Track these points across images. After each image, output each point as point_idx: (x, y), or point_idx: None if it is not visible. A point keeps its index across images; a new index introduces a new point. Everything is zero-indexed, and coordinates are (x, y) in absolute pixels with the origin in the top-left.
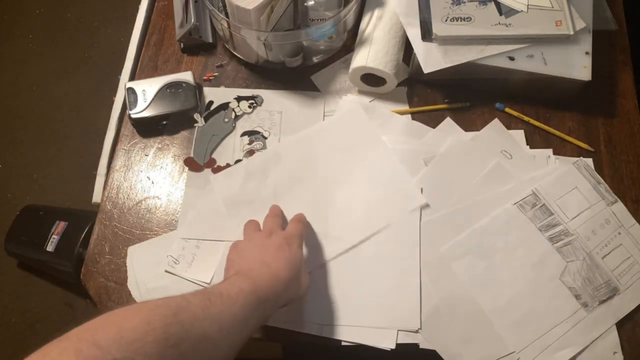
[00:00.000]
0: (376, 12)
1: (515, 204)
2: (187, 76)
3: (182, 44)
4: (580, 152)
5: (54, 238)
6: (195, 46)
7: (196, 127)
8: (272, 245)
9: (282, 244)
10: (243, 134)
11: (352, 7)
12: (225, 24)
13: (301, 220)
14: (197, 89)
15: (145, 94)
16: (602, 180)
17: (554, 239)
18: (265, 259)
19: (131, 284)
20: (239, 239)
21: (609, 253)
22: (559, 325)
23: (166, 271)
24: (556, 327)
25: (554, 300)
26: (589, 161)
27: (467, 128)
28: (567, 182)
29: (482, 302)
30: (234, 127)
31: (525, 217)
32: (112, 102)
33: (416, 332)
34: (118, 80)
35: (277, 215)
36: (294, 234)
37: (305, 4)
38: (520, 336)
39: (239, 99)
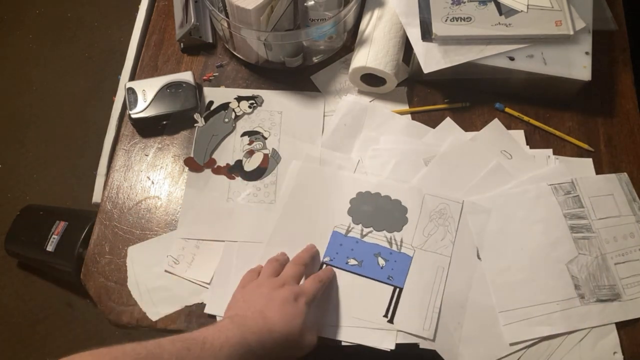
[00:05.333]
0: (376, 12)
1: (550, 184)
2: (187, 76)
3: (182, 44)
4: (580, 152)
5: (54, 238)
6: (195, 46)
7: (196, 127)
8: (279, 297)
9: (289, 298)
10: (243, 134)
11: (352, 7)
12: (225, 24)
13: (322, 280)
14: (197, 89)
15: (145, 94)
16: (637, 198)
17: (574, 228)
18: (265, 311)
19: (131, 284)
20: (253, 271)
21: (623, 263)
22: (549, 304)
23: (166, 271)
24: (545, 305)
25: (553, 281)
26: (625, 176)
27: (467, 128)
28: (606, 187)
29: (483, 258)
30: (234, 127)
31: (555, 199)
32: (112, 102)
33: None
34: (118, 80)
35: (301, 264)
36: (306, 292)
37: (305, 4)
38: (508, 299)
39: (239, 99)
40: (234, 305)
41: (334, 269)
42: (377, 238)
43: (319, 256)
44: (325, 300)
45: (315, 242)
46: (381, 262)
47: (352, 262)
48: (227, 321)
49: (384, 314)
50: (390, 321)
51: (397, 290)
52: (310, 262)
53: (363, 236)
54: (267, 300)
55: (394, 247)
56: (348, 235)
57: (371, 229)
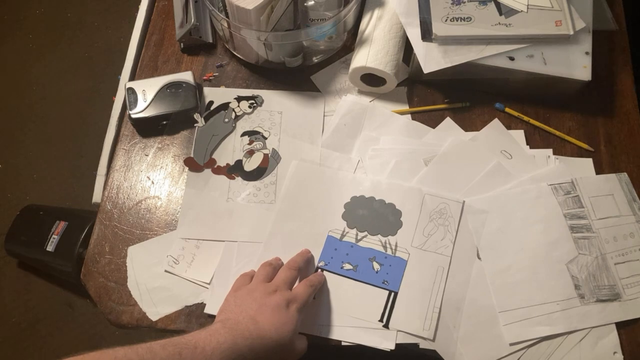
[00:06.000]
0: (376, 12)
1: (550, 184)
2: (187, 76)
3: (182, 44)
4: (580, 152)
5: (54, 238)
6: (195, 46)
7: (196, 127)
8: (270, 303)
9: (281, 305)
10: (243, 134)
11: (352, 7)
12: (225, 24)
13: (313, 285)
14: (197, 89)
15: (145, 94)
16: (637, 198)
17: (575, 228)
18: (257, 316)
19: (131, 284)
20: (246, 273)
21: (623, 263)
22: (549, 304)
23: (166, 271)
24: (545, 305)
25: (553, 281)
26: (625, 176)
27: (467, 128)
28: (606, 187)
29: (483, 258)
30: (234, 127)
31: (555, 199)
32: (112, 102)
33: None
34: (118, 80)
35: (294, 269)
36: (298, 298)
37: (305, 4)
38: (508, 299)
39: (239, 99)
40: (226, 309)
41: (329, 273)
42: (372, 242)
43: (314, 261)
44: (321, 304)
45: (310, 246)
46: (376, 266)
47: (347, 266)
48: (219, 325)
49: (379, 318)
50: (386, 326)
51: (392, 294)
52: (305, 266)
53: (358, 240)
54: (259, 305)
55: (389, 251)
56: (343, 239)
57: (366, 233)
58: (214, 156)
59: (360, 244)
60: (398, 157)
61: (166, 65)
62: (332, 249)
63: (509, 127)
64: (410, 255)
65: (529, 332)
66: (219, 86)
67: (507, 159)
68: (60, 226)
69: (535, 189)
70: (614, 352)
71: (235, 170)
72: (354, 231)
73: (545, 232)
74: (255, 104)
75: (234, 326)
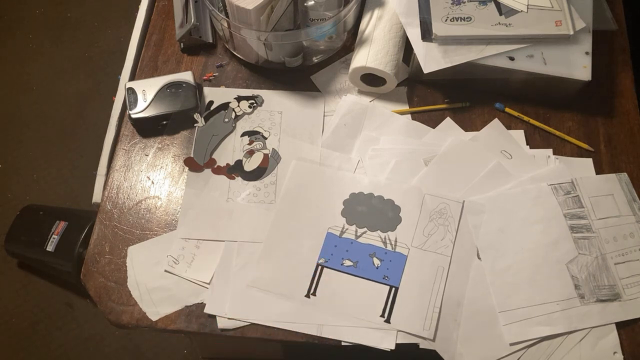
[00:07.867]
0: (376, 12)
1: (550, 184)
2: (187, 76)
3: (182, 44)
4: (580, 152)
5: (54, 238)
6: (195, 46)
7: (196, 127)
8: None
9: None
10: (243, 134)
11: (352, 7)
12: (225, 24)
13: None
14: (197, 89)
15: (145, 94)
16: (637, 198)
17: (574, 228)
18: None
19: (131, 284)
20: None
21: (623, 263)
22: (549, 304)
23: (166, 271)
24: (545, 305)
25: (553, 281)
26: (624, 176)
27: (467, 128)
28: (606, 187)
29: (483, 258)
30: (234, 127)
31: (555, 199)
32: (112, 102)
33: (433, 340)
34: (118, 80)
35: None
36: None
37: (305, 4)
38: (508, 299)
39: (239, 99)
40: None
41: (330, 270)
42: (372, 238)
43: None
44: (321, 302)
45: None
46: (376, 262)
47: (348, 263)
48: None
49: (380, 313)
50: (387, 321)
51: (393, 289)
52: None
53: (357, 237)
54: None
55: (389, 247)
56: (342, 236)
57: (365, 229)
58: (214, 156)
59: (360, 240)
60: (398, 157)
61: (166, 65)
62: (332, 246)
63: (509, 127)
64: (410, 253)
65: (529, 332)
66: (219, 86)
67: (507, 159)
68: (60, 226)
69: (535, 189)
70: (614, 352)
71: (235, 170)
72: (354, 227)
73: (545, 232)
74: (255, 104)
75: None
